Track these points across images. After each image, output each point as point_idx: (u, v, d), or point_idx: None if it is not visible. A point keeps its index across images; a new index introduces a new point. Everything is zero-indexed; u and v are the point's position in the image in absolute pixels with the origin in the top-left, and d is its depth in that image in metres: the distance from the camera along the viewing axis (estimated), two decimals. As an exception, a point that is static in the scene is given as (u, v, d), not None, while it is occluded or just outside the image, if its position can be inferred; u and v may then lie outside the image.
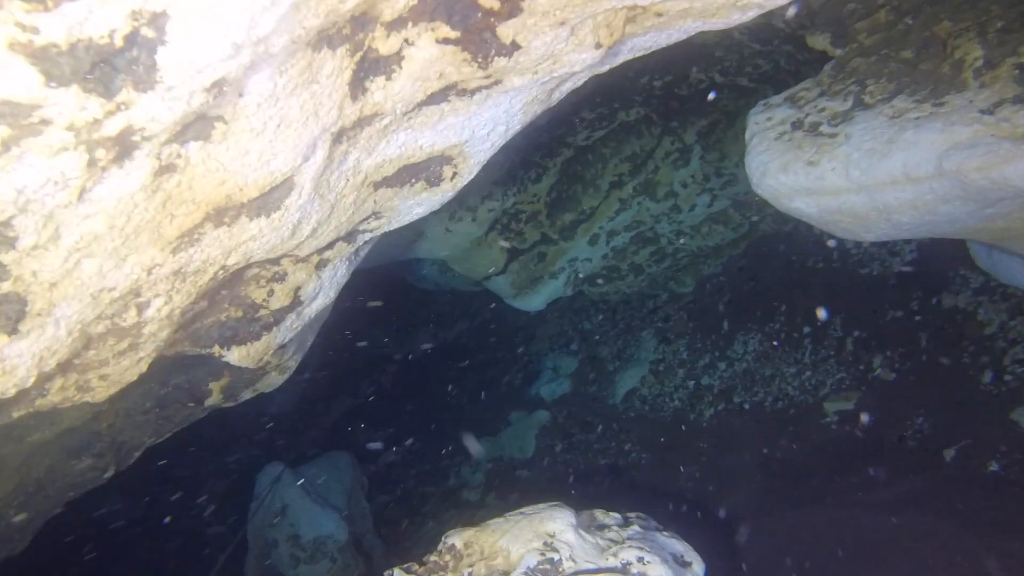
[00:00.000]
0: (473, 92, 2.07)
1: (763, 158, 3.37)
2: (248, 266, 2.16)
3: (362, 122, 1.90)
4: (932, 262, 5.48)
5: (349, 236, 2.57)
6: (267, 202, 1.79)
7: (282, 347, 2.83)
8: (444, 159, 2.39)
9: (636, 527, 2.98)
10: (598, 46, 2.01)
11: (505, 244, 7.14)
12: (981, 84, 2.88)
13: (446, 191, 2.57)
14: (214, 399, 3.31)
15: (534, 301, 7.73)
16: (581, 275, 7.99)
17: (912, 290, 5.56)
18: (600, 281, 8.15)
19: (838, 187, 3.11)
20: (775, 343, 6.90)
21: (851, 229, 3.27)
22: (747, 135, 3.57)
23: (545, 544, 2.51)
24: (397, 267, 10.36)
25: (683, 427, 7.26)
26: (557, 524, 2.59)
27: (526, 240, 7.36)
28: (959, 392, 4.56)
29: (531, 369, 10.68)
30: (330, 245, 2.51)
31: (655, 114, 6.74)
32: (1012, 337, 4.51)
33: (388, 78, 1.82)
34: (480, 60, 1.90)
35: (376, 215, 2.52)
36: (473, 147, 2.39)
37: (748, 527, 5.22)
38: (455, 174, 2.50)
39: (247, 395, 3.75)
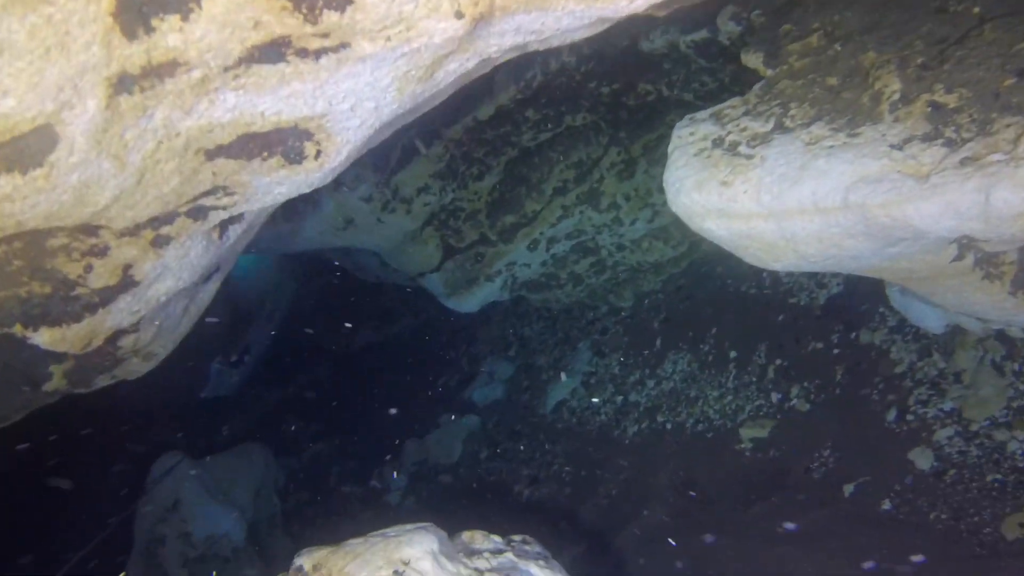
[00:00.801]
0: (317, 54, 1.89)
1: (680, 173, 3.26)
2: (50, 234, 1.96)
3: (159, 71, 1.70)
4: (856, 296, 5.46)
5: (194, 212, 2.37)
6: (16, 155, 1.58)
7: (125, 332, 2.61)
8: (302, 133, 2.21)
9: (510, 555, 2.82)
10: (459, 15, 1.84)
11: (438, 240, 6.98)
12: (896, 118, 2.80)
13: (311, 171, 2.38)
14: (56, 383, 3.04)
15: (468, 302, 7.57)
16: (519, 280, 7.86)
17: (834, 323, 5.54)
18: (537, 288, 8.03)
19: (749, 211, 3.01)
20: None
21: (759, 256, 3.17)
22: (669, 148, 3.46)
23: (395, 572, 2.33)
24: (338, 255, 10.12)
25: (606, 443, 7.17)
26: (415, 550, 2.42)
27: (464, 239, 7.20)
28: (865, 428, 4.52)
29: (468, 372, 10.52)
30: (167, 220, 2.31)
31: (603, 122, 6.63)
32: (919, 377, 4.48)
33: (185, 19, 1.63)
34: (305, 12, 1.72)
35: (225, 190, 2.32)
36: (336, 123, 2.21)
37: (653, 550, 5.14)
38: (319, 152, 2.31)
39: (104, 381, 3.49)
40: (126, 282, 2.53)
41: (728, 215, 3.11)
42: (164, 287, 2.75)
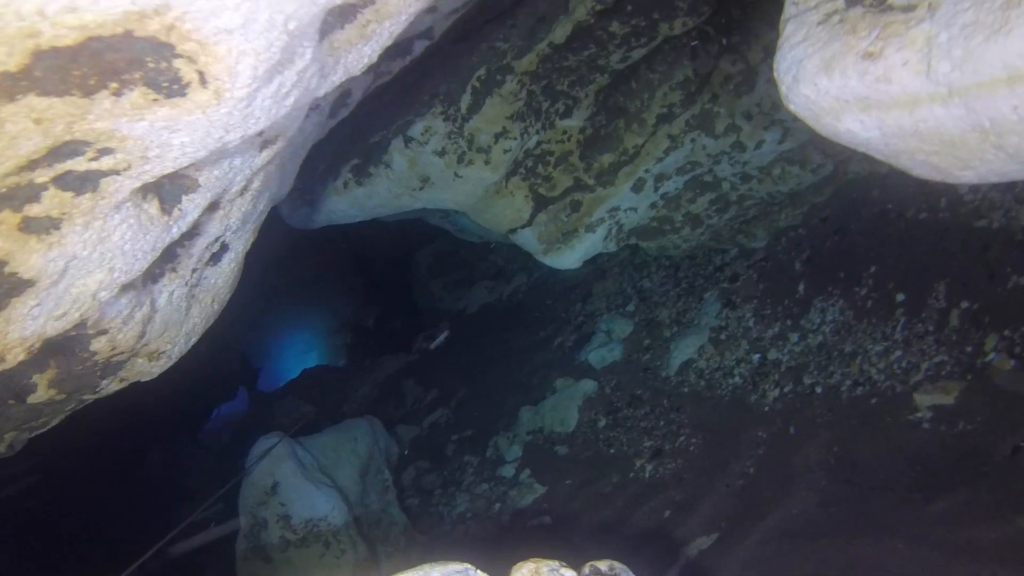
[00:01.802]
0: None
1: (798, 52, 2.16)
2: None
3: None
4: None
5: (63, 181, 1.63)
6: None
7: (82, 337, 2.00)
8: (154, 45, 1.38)
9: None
10: None
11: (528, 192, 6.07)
12: None
13: (209, 107, 1.56)
14: (44, 393, 2.52)
15: (568, 258, 6.64)
16: (625, 227, 6.82)
17: (1044, 251, 4.15)
18: (649, 235, 6.95)
19: (913, 93, 1.89)
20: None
21: (934, 164, 2.04)
22: (781, 20, 2.36)
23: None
24: (435, 217, 9.46)
25: (741, 410, 6.08)
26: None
27: (555, 187, 6.24)
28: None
29: (584, 331, 9.63)
30: (25, 197, 1.58)
31: (709, 26, 5.41)
32: None
33: None
34: None
35: (90, 146, 1.56)
36: (211, 27, 1.37)
37: (797, 550, 4.09)
38: (204, 77, 1.48)
39: (113, 385, 2.94)
40: (13, 283, 1.86)
41: (878, 105, 2.00)
42: (93, 281, 2.05)
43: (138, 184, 1.87)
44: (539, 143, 5.90)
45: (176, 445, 19.51)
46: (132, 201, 2.00)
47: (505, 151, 5.65)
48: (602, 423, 7.35)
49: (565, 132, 5.95)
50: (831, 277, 6.28)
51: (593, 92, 5.74)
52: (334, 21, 1.96)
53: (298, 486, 5.30)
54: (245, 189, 2.74)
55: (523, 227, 6.36)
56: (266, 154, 2.52)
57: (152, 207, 2.12)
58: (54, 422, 3.13)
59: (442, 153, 5.58)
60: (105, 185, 1.82)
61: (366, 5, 2.00)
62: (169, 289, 2.46)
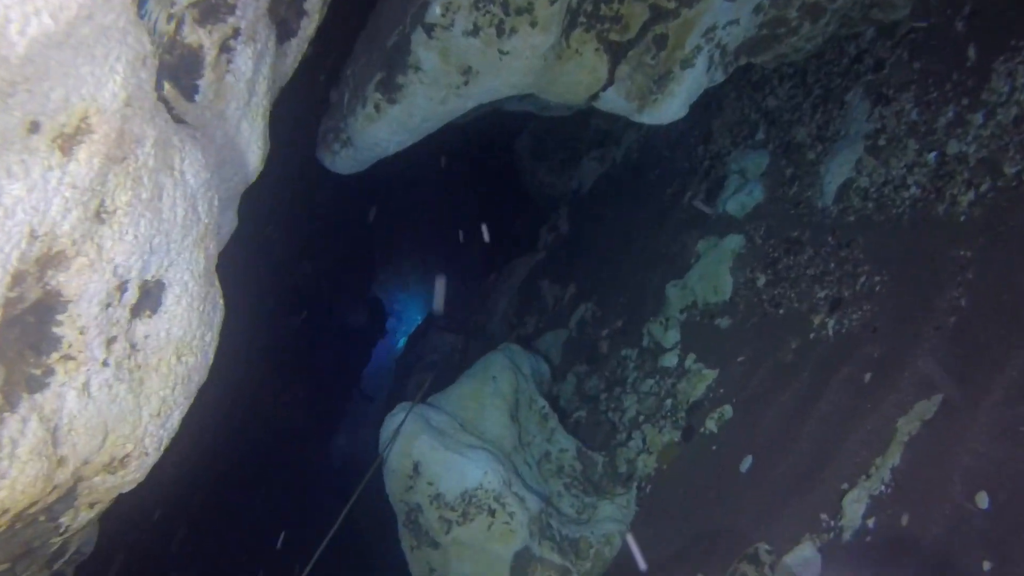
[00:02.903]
0: None
1: None
2: None
3: None
4: None
5: None
6: None
7: None
8: None
9: None
10: None
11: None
12: None
13: None
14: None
15: (669, 108, 5.53)
16: (729, 48, 5.57)
17: None
18: (760, 47, 5.65)
19: None
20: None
21: None
22: None
23: None
24: (511, 103, 8.44)
25: (929, 227, 4.88)
26: None
27: (629, 26, 5.09)
28: None
29: (714, 177, 8.44)
30: None
31: None
32: None
33: None
34: None
35: None
36: None
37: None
38: None
39: (85, 514, 2.42)
40: None
41: None
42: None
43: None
44: (592, -17, 4.75)
45: (350, 416, 20.33)
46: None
47: (552, 1, 4.56)
48: (761, 281, 6.36)
49: (619, -42, 4.75)
50: (1010, 28, 4.79)
51: None
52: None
53: (441, 460, 4.84)
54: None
55: (604, 89, 5.30)
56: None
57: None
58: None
59: (475, 32, 4.58)
60: None
61: None
62: (75, 386, 1.85)
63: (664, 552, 4.95)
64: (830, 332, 5.23)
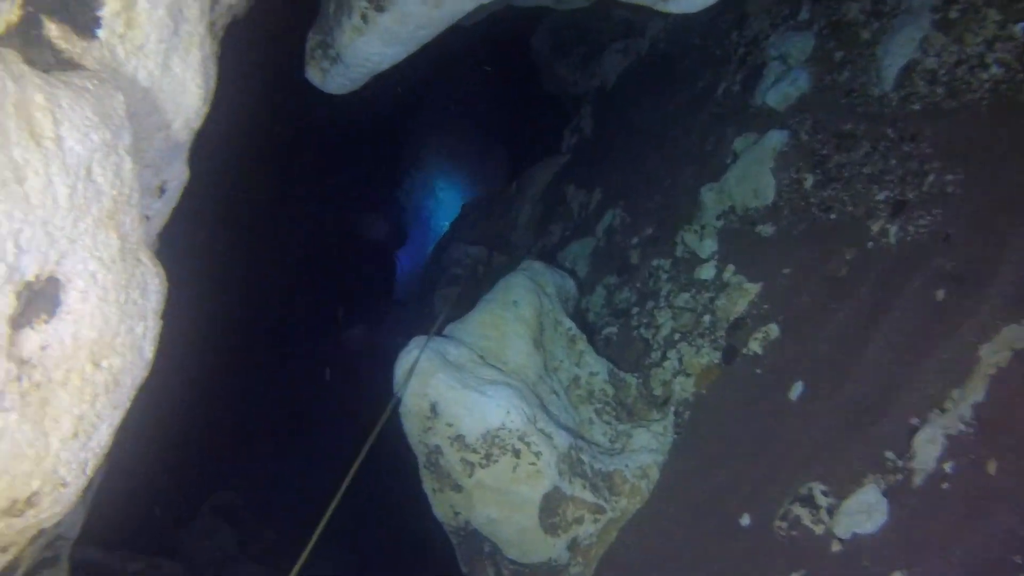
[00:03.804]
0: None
1: None
2: None
3: None
4: None
5: None
6: None
7: None
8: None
9: None
10: None
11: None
12: None
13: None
14: None
15: (701, -9, 4.76)
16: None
17: None
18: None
19: None
20: None
21: None
22: None
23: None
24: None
25: (1016, 114, 4.17)
26: None
27: None
28: None
29: (751, 64, 7.59)
30: None
31: None
32: None
33: None
34: None
35: None
36: None
37: None
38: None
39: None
40: None
41: None
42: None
43: None
44: None
45: (374, 313, 20.33)
46: None
47: None
48: (809, 182, 5.69)
49: None
50: None
51: None
52: None
53: (459, 399, 4.42)
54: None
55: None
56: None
57: None
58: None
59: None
60: None
61: None
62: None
63: (705, 487, 4.57)
64: (892, 240, 4.61)
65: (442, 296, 11.40)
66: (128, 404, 1.91)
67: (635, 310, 7.32)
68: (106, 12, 1.98)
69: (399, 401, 4.61)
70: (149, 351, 1.96)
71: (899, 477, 3.49)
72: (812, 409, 4.33)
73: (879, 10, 5.75)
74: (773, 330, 5.09)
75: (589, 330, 7.79)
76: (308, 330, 17.30)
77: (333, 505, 4.02)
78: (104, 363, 1.80)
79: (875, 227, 4.80)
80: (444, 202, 25.25)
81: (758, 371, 4.99)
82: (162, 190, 2.56)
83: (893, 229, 4.64)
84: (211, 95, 2.52)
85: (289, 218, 16.92)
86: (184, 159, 2.65)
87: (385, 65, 4.42)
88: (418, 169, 24.39)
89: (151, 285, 1.95)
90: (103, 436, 1.86)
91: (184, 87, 2.32)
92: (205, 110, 2.48)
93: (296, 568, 3.76)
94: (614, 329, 7.34)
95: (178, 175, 2.62)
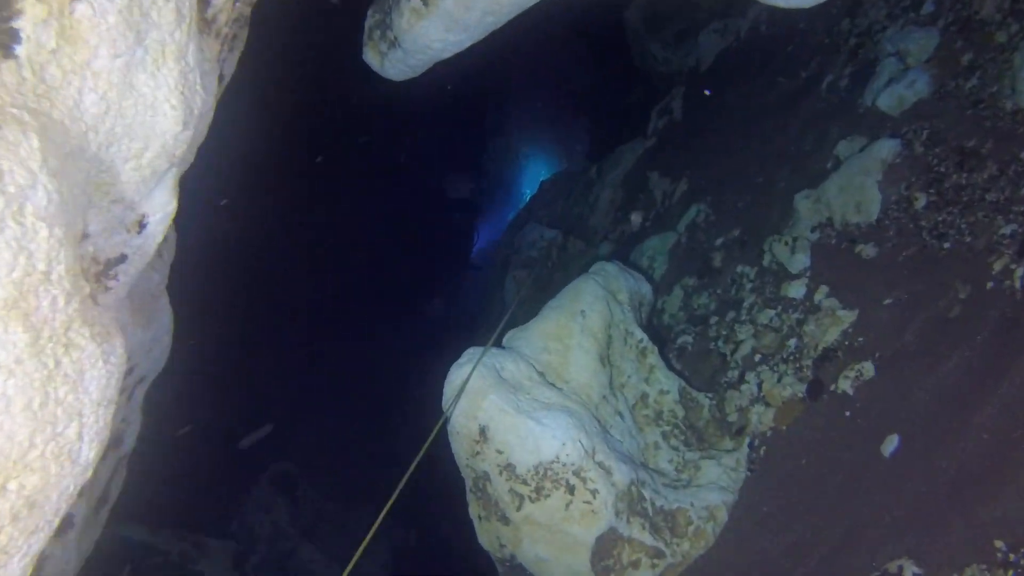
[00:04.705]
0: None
1: None
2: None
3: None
4: None
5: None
6: None
7: None
8: None
9: None
10: None
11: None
12: None
13: None
14: None
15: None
16: None
17: None
18: None
19: None
20: None
21: None
22: None
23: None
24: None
25: None
26: None
27: None
28: None
29: (862, 58, 6.89)
30: None
31: None
32: None
33: None
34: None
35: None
36: None
37: None
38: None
39: None
40: None
41: None
42: None
43: None
44: None
45: (452, 274, 20.37)
46: None
47: None
48: (921, 202, 5.10)
49: None
50: None
51: None
52: None
53: (512, 425, 4.14)
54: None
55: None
56: None
57: None
58: None
59: None
60: None
61: None
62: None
63: (776, 542, 4.19)
64: (1017, 284, 4.05)
65: (514, 278, 11.13)
66: (57, 520, 1.64)
67: (714, 319, 6.87)
68: (26, 23, 1.60)
69: (447, 420, 4.38)
70: (89, 452, 1.67)
71: (1010, 574, 3.05)
72: (907, 470, 3.88)
73: (1020, 9, 5.04)
74: (868, 369, 4.60)
75: (663, 335, 7.39)
76: (390, 299, 17.45)
77: (393, 497, 3.83)
78: (11, 485, 1.54)
79: (997, 265, 4.23)
80: (527, 171, 25.02)
81: (847, 414, 4.53)
82: (141, 225, 2.33)
83: (1020, 271, 4.07)
84: (201, 113, 2.23)
85: (383, 178, 17.06)
86: (169, 188, 2.37)
87: (448, 53, 4.06)
88: (503, 136, 24.17)
89: (92, 371, 1.67)
90: (15, 571, 1.61)
91: (155, 109, 2.02)
92: (187, 134, 2.18)
93: (356, 555, 3.62)
94: (689, 338, 6.93)
95: (161, 207, 2.35)
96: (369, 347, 15.82)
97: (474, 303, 14.56)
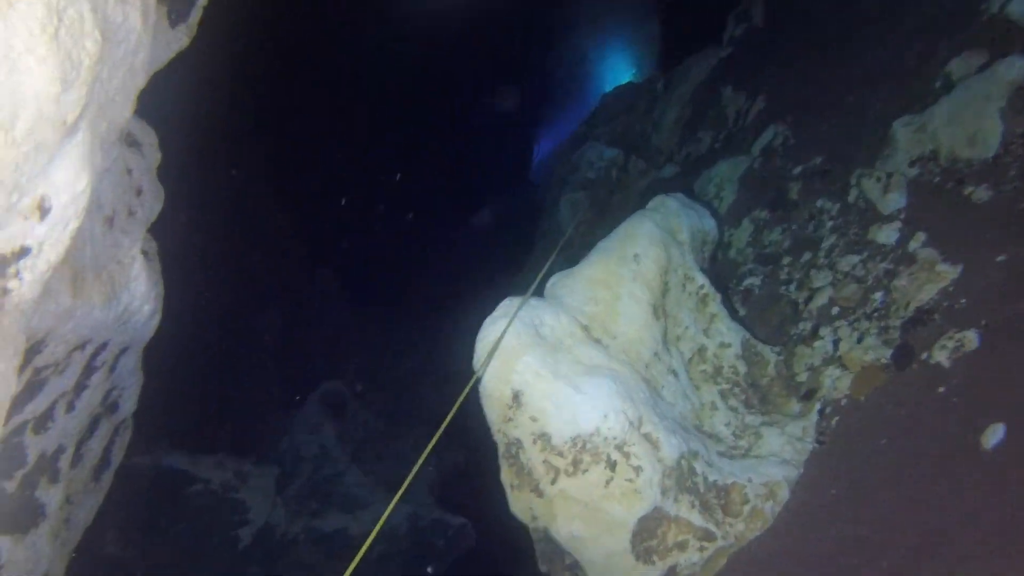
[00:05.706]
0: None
1: None
2: None
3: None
4: None
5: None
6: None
7: None
8: None
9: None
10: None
11: None
12: None
13: None
14: None
15: None
16: None
17: None
18: None
19: None
20: None
21: None
22: None
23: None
24: None
25: None
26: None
27: None
28: None
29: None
30: None
31: None
32: None
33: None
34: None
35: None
36: None
37: None
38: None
39: None
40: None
41: None
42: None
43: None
44: None
45: (509, 189, 19.76)
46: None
47: None
48: (1053, 136, 4.23)
49: None
50: None
51: None
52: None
53: (548, 392, 3.64)
54: None
55: None
56: None
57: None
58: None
59: None
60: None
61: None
62: None
63: (843, 535, 3.65)
64: None
65: (570, 202, 10.45)
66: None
67: (786, 259, 6.16)
68: None
69: (477, 381, 3.91)
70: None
71: None
72: (1013, 466, 3.26)
73: None
74: (970, 339, 3.90)
75: (727, 273, 6.72)
76: (443, 219, 17.13)
77: (443, 425, 3.46)
78: None
79: None
80: (594, 75, 23.80)
81: (941, 390, 3.87)
82: (43, 210, 1.85)
83: None
84: (110, 61, 1.70)
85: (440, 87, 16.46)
86: (75, 162, 1.84)
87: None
88: (570, 34, 22.98)
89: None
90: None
91: (14, 64, 1.49)
92: (75, 95, 1.65)
93: (405, 483, 3.32)
94: (757, 280, 6.25)
95: (67, 185, 1.85)
96: (423, 266, 15.56)
97: (529, 223, 14.01)
